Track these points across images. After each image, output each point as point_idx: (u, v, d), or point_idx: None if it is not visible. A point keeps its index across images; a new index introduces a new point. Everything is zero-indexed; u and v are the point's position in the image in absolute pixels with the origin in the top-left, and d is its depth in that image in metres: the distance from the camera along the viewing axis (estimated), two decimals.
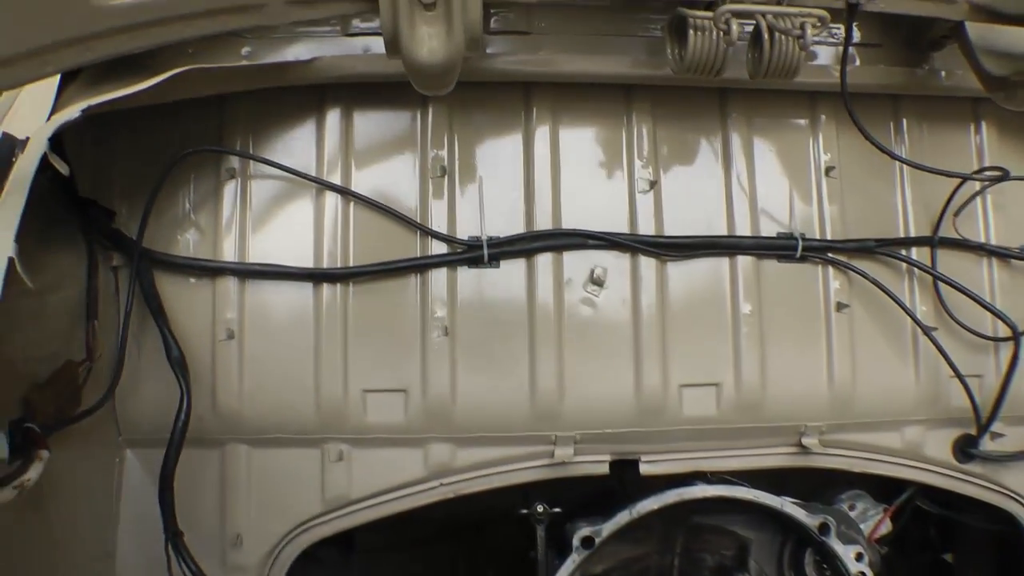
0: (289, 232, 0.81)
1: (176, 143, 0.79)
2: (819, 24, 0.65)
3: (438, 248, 0.78)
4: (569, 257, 0.79)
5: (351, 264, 0.78)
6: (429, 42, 0.61)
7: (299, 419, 0.80)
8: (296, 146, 0.84)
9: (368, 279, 0.79)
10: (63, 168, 0.67)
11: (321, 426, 0.80)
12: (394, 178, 0.80)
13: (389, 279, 0.78)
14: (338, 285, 0.78)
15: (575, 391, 0.77)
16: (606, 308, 0.79)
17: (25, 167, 0.63)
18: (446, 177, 0.79)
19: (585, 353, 0.78)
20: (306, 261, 0.78)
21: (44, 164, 0.63)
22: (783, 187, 0.83)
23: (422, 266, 0.77)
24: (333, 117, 0.81)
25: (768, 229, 0.81)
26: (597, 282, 0.79)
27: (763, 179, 0.82)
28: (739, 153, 0.82)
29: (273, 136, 0.85)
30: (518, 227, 0.78)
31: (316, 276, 0.77)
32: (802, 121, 0.86)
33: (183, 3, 0.63)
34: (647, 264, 0.79)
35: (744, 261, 0.80)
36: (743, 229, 0.81)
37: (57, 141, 0.65)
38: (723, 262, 0.80)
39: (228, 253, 0.81)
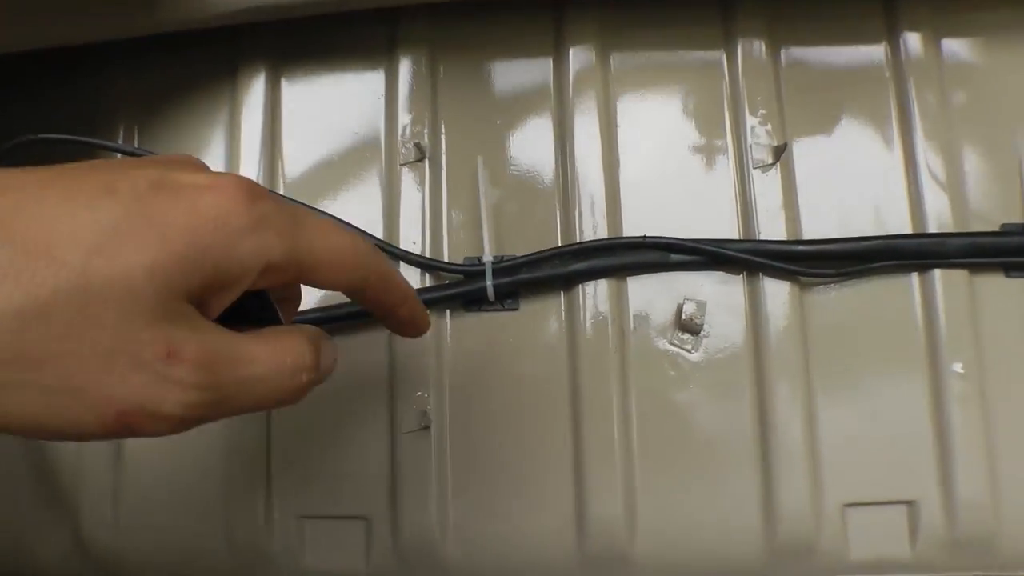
0: None
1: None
2: None
3: (411, 278, 0.45)
4: (638, 286, 0.45)
5: None
6: None
7: (202, 560, 0.47)
8: (204, 132, 0.56)
9: None
10: None
11: (235, 570, 0.47)
12: (342, 168, 0.48)
13: (336, 335, 0.46)
14: None
15: (655, 520, 0.42)
16: (706, 372, 0.44)
17: None
18: (425, 162, 0.46)
19: (672, 455, 0.43)
20: None
21: None
22: (1006, 151, 0.45)
23: None
24: (253, 84, 0.53)
25: (979, 225, 0.45)
26: (690, 326, 0.44)
27: (972, 140, 0.46)
28: (925, 97, 0.45)
29: (168, 120, 0.56)
30: (548, 239, 0.45)
31: None
32: None
33: None
34: (776, 291, 0.43)
35: (947, 279, 0.43)
36: (936, 224, 0.44)
37: None
38: (908, 282, 0.44)
39: None
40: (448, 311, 0.46)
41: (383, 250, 0.45)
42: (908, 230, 0.45)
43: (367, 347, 0.46)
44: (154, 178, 0.21)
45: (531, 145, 0.48)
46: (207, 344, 0.22)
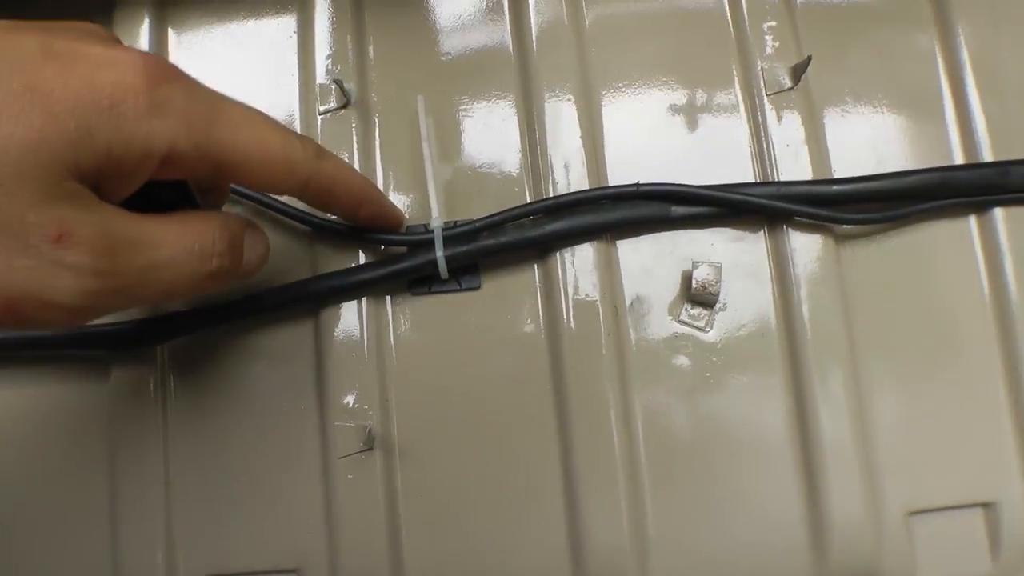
0: None
1: None
2: None
3: (340, 257, 0.34)
4: (630, 249, 0.35)
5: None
6: None
7: None
8: None
9: (205, 339, 0.35)
10: None
11: None
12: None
13: (244, 336, 0.35)
14: (143, 362, 0.35)
15: (670, 550, 0.33)
16: (725, 356, 0.34)
17: None
18: (349, 108, 0.36)
19: (688, 466, 0.33)
20: None
21: None
22: None
23: (312, 297, 0.33)
24: (132, 29, 0.41)
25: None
26: (703, 297, 0.34)
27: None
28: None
29: None
30: (511, 201, 0.35)
31: (91, 341, 0.34)
32: None
33: None
34: (806, 246, 0.34)
35: (1010, 217, 0.34)
36: (979, 155, 0.35)
37: None
38: (964, 227, 0.35)
39: None
40: (388, 297, 0.35)
41: (300, 221, 0.35)
42: (946, 161, 0.36)
43: (286, 345, 0.35)
44: (46, 45, 0.19)
45: (485, 82, 0.37)
46: (103, 226, 0.21)
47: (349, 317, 0.34)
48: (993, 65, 0.36)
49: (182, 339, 0.35)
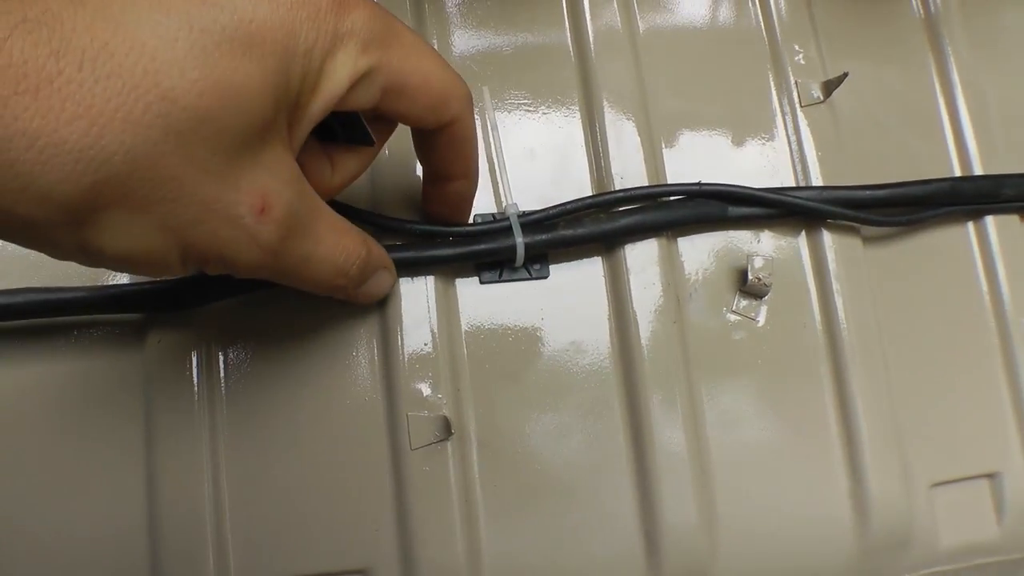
0: None
1: None
2: None
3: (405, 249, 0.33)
4: (687, 245, 0.36)
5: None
6: None
7: None
8: None
9: (256, 310, 0.33)
10: None
11: None
12: None
13: (300, 305, 0.33)
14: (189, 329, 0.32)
15: (737, 527, 0.34)
16: (775, 345, 0.36)
17: None
18: None
19: (749, 447, 0.35)
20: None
21: None
22: None
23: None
24: None
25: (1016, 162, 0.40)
26: (756, 288, 0.36)
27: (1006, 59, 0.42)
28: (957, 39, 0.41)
29: None
30: (569, 194, 0.35)
31: (126, 302, 0.31)
32: None
33: None
34: (840, 245, 0.37)
35: (1000, 225, 0.39)
36: (970, 165, 0.40)
37: None
38: (964, 232, 0.40)
39: None
40: (456, 281, 0.35)
41: (366, 222, 0.34)
42: (950, 172, 0.41)
43: (347, 322, 0.34)
44: None
45: (536, 72, 0.38)
46: (294, 205, 0.21)
47: (418, 302, 0.34)
48: (980, 90, 0.42)
49: (229, 303, 0.33)
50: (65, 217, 0.17)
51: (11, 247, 0.33)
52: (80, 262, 0.20)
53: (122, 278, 0.33)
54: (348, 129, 0.25)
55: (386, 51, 0.22)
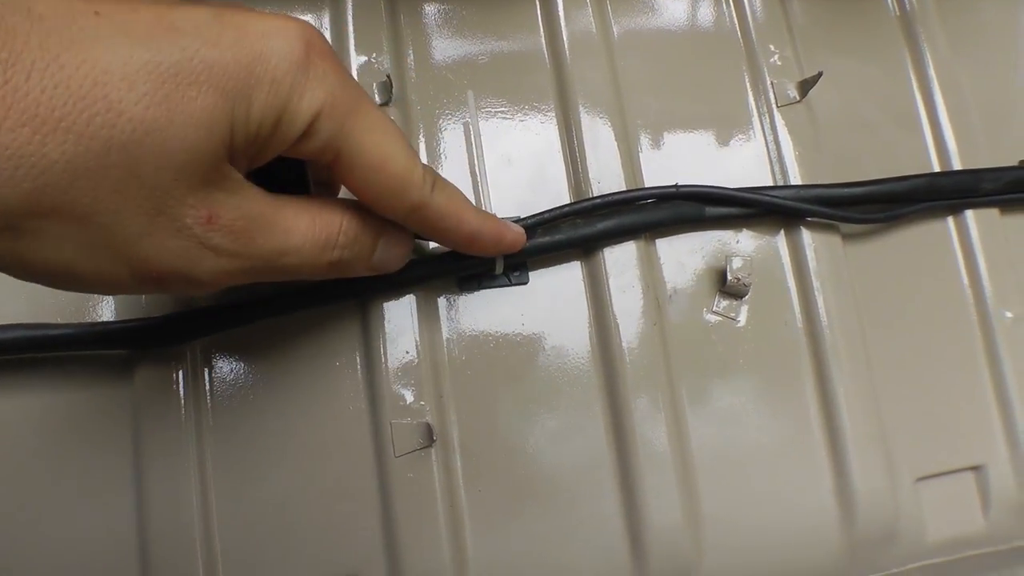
0: None
1: None
2: None
3: None
4: (666, 246, 0.37)
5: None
6: None
7: None
8: None
9: (237, 337, 0.34)
10: None
11: None
12: None
13: (281, 333, 0.34)
14: (180, 361, 0.33)
15: (722, 525, 0.34)
16: (756, 344, 0.36)
17: None
18: (390, 105, 0.35)
19: (733, 446, 0.35)
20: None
21: None
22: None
23: (362, 292, 0.33)
24: None
25: (1000, 155, 0.40)
26: (735, 289, 0.36)
27: (975, 56, 0.42)
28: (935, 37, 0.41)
29: None
30: (550, 200, 0.36)
31: (114, 339, 0.32)
32: None
33: None
34: (819, 244, 0.37)
35: (980, 219, 0.40)
36: (949, 160, 0.40)
37: None
38: (944, 227, 0.40)
39: None
40: (438, 294, 0.36)
41: None
42: (929, 167, 0.41)
43: (329, 343, 0.35)
44: (218, 14, 0.19)
45: (516, 77, 0.39)
46: (245, 209, 0.21)
47: (400, 313, 0.34)
48: (957, 85, 0.42)
49: (213, 337, 0.34)
50: (0, 221, 0.17)
51: (2, 285, 0.33)
52: (10, 273, 0.19)
53: (106, 311, 0.34)
54: (289, 175, 0.25)
55: (351, 115, 0.22)
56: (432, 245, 0.35)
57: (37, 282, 0.19)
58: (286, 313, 0.34)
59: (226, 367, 0.34)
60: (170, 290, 0.21)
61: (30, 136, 0.16)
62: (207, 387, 0.34)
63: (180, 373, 0.34)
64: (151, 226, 0.19)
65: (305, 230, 0.23)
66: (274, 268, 0.23)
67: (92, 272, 0.19)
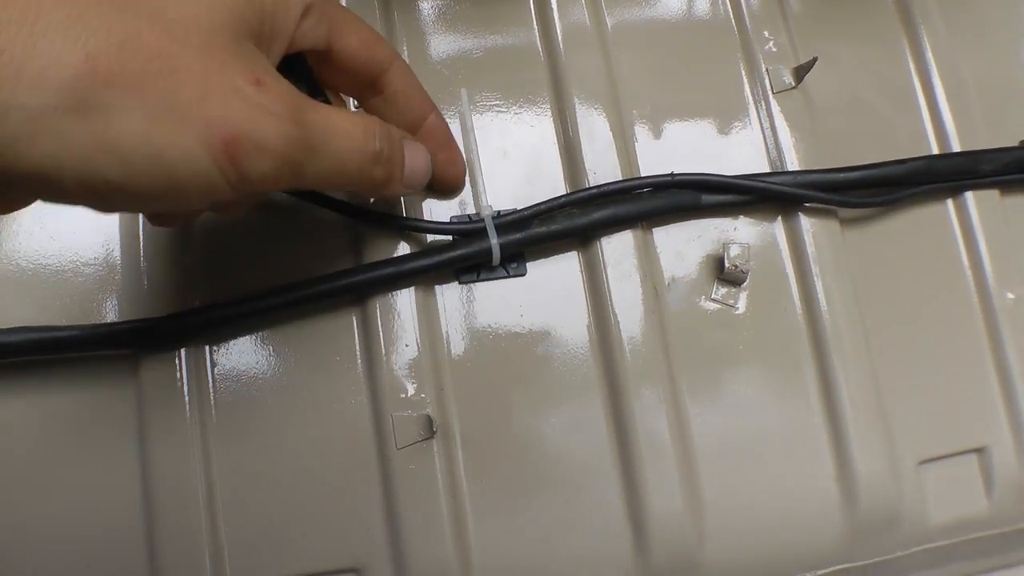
0: None
1: None
2: None
3: (381, 247, 0.35)
4: (663, 235, 0.37)
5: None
6: None
7: None
8: None
9: (240, 334, 0.34)
10: None
11: None
12: None
13: (282, 329, 0.34)
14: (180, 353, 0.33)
15: (724, 513, 0.35)
16: (755, 331, 0.36)
17: None
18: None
19: (733, 433, 0.35)
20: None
21: None
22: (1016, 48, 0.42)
23: (362, 286, 0.33)
24: None
25: (999, 136, 0.40)
26: (733, 276, 0.36)
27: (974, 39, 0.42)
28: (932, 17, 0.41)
29: None
30: (546, 191, 0.36)
31: (117, 339, 0.32)
32: None
33: None
34: (818, 229, 0.37)
35: (980, 201, 0.39)
36: (948, 142, 0.40)
37: None
38: (944, 210, 0.40)
39: None
40: (437, 285, 0.36)
41: (340, 210, 0.35)
42: (929, 150, 0.41)
43: (329, 338, 0.35)
44: None
45: (518, 80, 0.39)
46: (287, 86, 0.22)
47: (400, 305, 0.35)
48: (955, 67, 0.42)
49: (216, 334, 0.34)
50: (66, 99, 0.17)
51: (8, 288, 0.33)
52: (97, 193, 0.19)
53: (110, 312, 0.34)
54: (294, 76, 0.26)
55: (333, 2, 0.25)
56: (431, 238, 0.35)
57: (117, 167, 0.18)
58: (288, 309, 0.34)
59: (228, 364, 0.34)
60: (245, 166, 0.20)
61: (69, 12, 0.17)
62: (210, 384, 0.34)
63: (184, 371, 0.34)
64: (205, 83, 0.19)
65: (346, 118, 0.24)
66: (327, 152, 0.23)
67: (168, 144, 0.19)
